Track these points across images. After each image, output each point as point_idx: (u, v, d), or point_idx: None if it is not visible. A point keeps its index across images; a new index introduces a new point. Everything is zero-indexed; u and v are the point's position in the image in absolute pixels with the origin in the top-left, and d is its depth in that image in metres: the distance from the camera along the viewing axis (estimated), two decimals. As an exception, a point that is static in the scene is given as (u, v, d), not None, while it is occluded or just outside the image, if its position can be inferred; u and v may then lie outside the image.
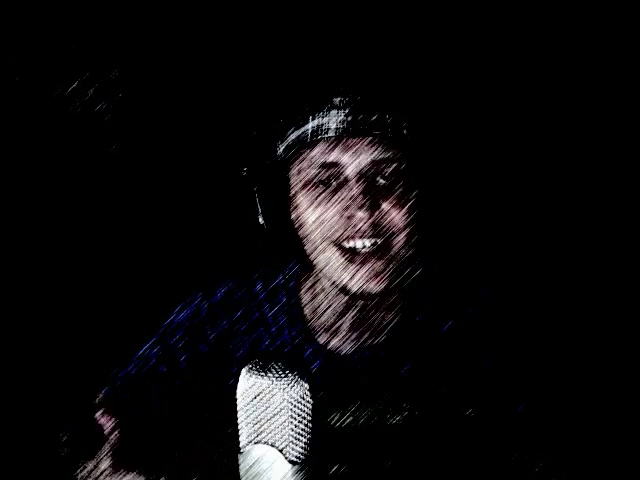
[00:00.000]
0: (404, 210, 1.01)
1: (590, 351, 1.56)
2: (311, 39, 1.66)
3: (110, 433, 0.91)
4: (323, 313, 1.13)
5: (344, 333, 1.12)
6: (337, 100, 1.01)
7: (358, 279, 1.01)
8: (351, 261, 1.02)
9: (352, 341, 1.12)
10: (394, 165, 1.02)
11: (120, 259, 1.84)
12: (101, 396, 1.18)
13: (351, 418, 1.04)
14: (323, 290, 1.12)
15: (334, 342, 1.13)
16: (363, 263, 1.01)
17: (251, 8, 1.74)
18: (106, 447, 0.90)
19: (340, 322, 1.12)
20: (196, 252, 1.79)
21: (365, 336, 1.12)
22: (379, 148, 1.01)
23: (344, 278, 1.03)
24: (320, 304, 1.13)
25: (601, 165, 1.74)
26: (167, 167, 1.86)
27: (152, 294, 1.69)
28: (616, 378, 1.53)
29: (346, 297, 1.08)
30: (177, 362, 1.16)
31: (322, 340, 1.13)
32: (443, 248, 1.16)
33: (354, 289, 1.02)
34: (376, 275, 1.01)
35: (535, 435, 1.04)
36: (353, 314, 1.11)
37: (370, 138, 1.00)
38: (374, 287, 1.02)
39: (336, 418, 1.04)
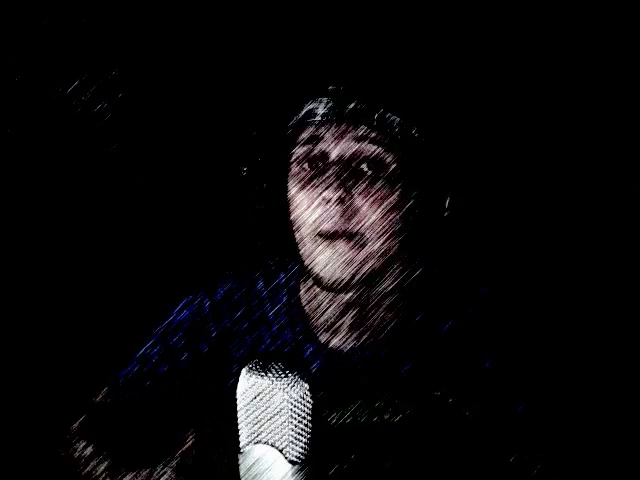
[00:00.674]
0: (382, 201, 1.02)
1: (590, 351, 1.56)
2: (314, 31, 1.66)
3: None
4: (323, 313, 1.13)
5: (344, 333, 1.12)
6: (330, 88, 1.04)
7: (325, 264, 1.02)
8: (322, 247, 1.02)
9: (352, 341, 1.12)
10: (378, 156, 1.02)
11: (121, 259, 1.84)
12: (101, 395, 1.18)
13: (351, 417, 1.04)
14: (323, 290, 1.12)
15: (334, 342, 1.13)
16: (331, 247, 1.02)
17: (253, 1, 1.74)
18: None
19: (340, 322, 1.12)
20: (197, 252, 1.79)
21: (365, 336, 1.12)
22: (364, 137, 1.02)
23: (315, 266, 1.03)
24: (320, 304, 1.13)
25: (601, 165, 1.74)
26: (167, 167, 1.86)
27: (153, 294, 1.70)
28: (616, 378, 1.53)
29: (339, 295, 1.08)
30: (178, 362, 1.16)
31: (322, 340, 1.13)
32: (442, 248, 1.16)
33: (320, 273, 1.03)
34: (343, 261, 1.01)
35: (535, 435, 1.04)
36: (353, 314, 1.11)
37: (356, 126, 1.02)
38: (340, 273, 1.02)
39: (336, 417, 1.04)
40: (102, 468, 0.90)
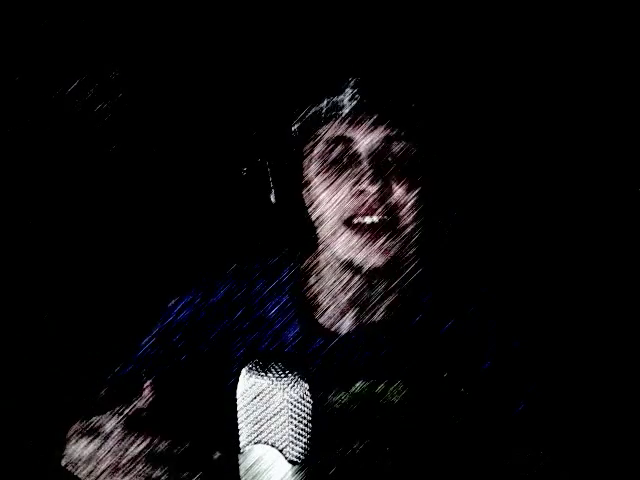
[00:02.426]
0: (413, 189, 1.03)
1: (590, 351, 1.56)
2: (329, 21, 1.65)
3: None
4: (323, 313, 1.13)
5: (344, 332, 1.12)
6: (352, 80, 1.03)
7: (362, 252, 1.03)
8: (357, 235, 1.03)
9: (353, 340, 1.12)
10: (406, 145, 1.04)
11: (120, 259, 1.84)
12: (102, 396, 1.18)
13: (353, 404, 1.05)
14: (323, 290, 1.12)
15: (334, 341, 1.13)
16: (368, 236, 1.03)
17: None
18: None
19: (340, 321, 1.12)
20: (196, 252, 1.79)
21: (366, 335, 1.12)
22: (391, 127, 1.03)
23: (350, 252, 1.04)
24: (320, 304, 1.13)
25: (601, 165, 1.74)
26: (167, 167, 1.86)
27: (153, 294, 1.69)
28: (616, 377, 1.53)
29: (339, 295, 1.09)
30: (177, 362, 1.16)
31: (322, 339, 1.13)
32: (445, 244, 1.16)
33: (358, 262, 1.04)
34: (379, 248, 1.03)
35: (534, 435, 1.04)
36: (353, 313, 1.11)
37: (383, 117, 1.02)
38: (377, 260, 1.03)
39: (337, 404, 1.04)
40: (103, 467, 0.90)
